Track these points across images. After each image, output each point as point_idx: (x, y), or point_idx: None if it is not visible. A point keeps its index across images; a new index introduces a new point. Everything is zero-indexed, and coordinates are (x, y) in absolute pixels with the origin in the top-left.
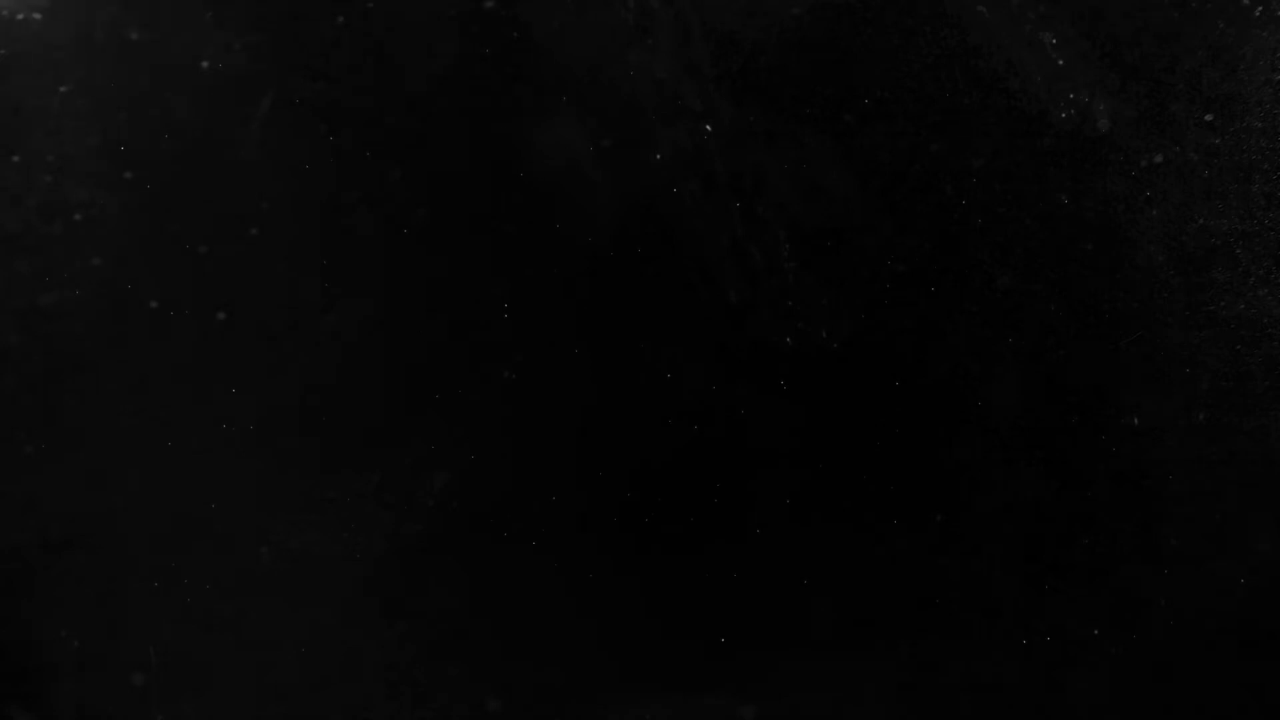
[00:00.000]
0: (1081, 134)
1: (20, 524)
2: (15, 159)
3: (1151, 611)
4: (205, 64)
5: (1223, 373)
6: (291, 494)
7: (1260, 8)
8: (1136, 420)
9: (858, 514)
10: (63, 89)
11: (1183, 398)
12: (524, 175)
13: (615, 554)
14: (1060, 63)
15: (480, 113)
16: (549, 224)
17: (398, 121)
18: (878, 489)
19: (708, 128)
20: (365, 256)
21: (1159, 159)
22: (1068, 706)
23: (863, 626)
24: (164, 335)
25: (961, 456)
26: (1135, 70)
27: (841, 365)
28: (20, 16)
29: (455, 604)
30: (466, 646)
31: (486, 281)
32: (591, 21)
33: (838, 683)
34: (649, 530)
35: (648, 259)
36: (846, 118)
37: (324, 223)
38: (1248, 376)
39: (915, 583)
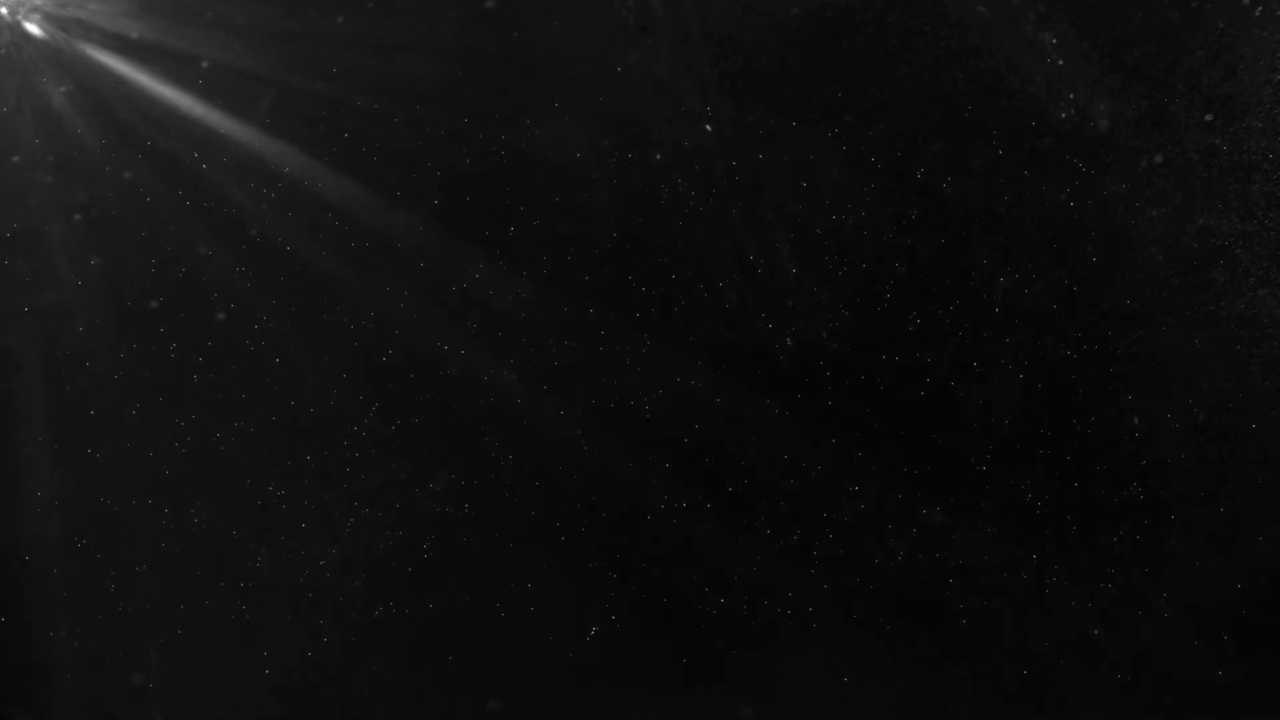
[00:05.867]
0: (1081, 134)
1: (20, 524)
2: (15, 159)
3: (1151, 611)
4: (205, 64)
5: (1223, 373)
6: (292, 495)
7: (1260, 8)
8: (1136, 420)
9: (858, 513)
10: (63, 89)
11: (1183, 398)
12: (524, 175)
13: (615, 554)
14: (1060, 63)
15: (480, 113)
16: (549, 224)
17: (398, 121)
18: (878, 489)
19: (708, 128)
20: (365, 257)
21: (1159, 159)
22: (1068, 706)
23: (863, 626)
24: (164, 336)
25: (961, 456)
26: (1135, 70)
27: (841, 365)
28: (19, 17)
29: (455, 605)
30: (466, 646)
31: (486, 281)
32: (591, 21)
33: (838, 683)
34: (649, 530)
35: (648, 259)
36: (846, 118)
37: (323, 224)
38: (1248, 376)
39: (915, 582)
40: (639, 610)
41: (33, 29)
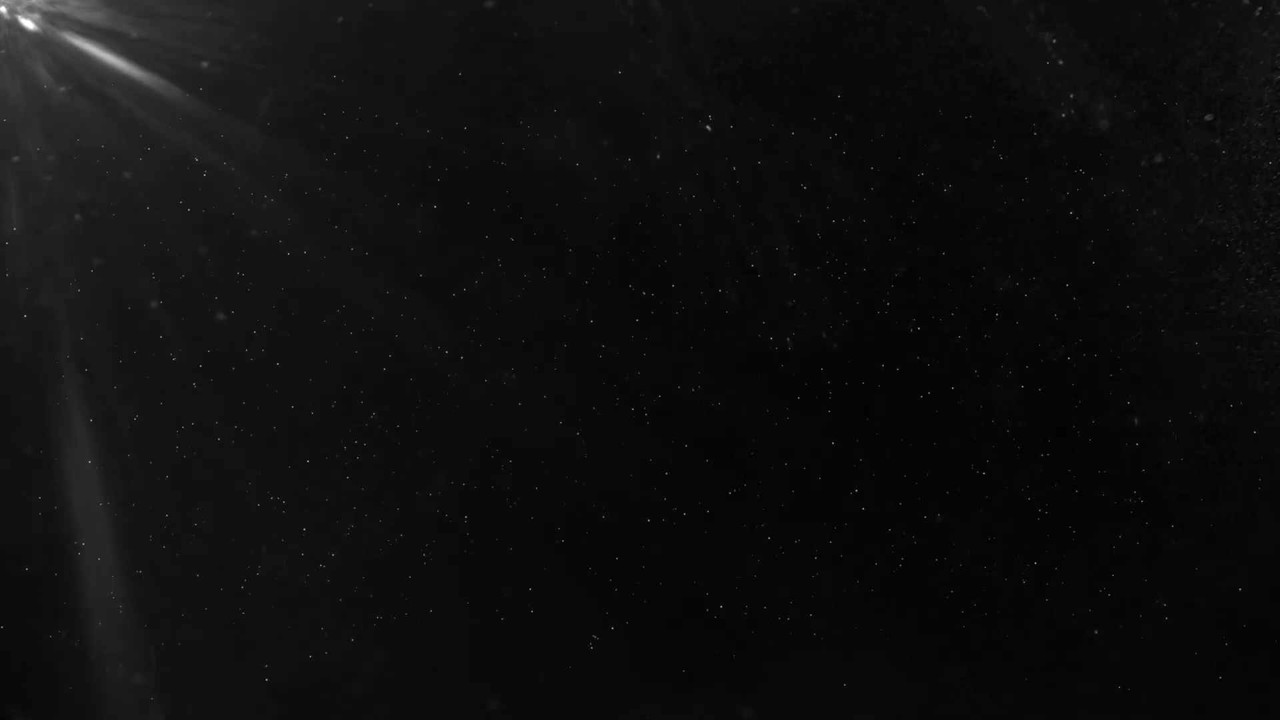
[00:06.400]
0: (1081, 134)
1: (20, 524)
2: (15, 159)
3: (1151, 611)
4: (205, 63)
5: (1223, 373)
6: (292, 498)
7: (1260, 8)
8: (1136, 420)
9: (858, 514)
10: (62, 88)
11: (1183, 398)
12: (524, 175)
13: (616, 554)
14: (1060, 63)
15: (480, 113)
16: (549, 224)
17: (398, 121)
18: (878, 489)
19: (708, 128)
20: (364, 258)
21: (1159, 159)
22: (1068, 706)
23: (863, 626)
24: (164, 337)
25: (962, 457)
26: (1135, 70)
27: (842, 366)
28: (18, 15)
29: (455, 607)
30: (466, 648)
31: (486, 282)
32: (591, 21)
33: (837, 683)
34: (649, 531)
35: (648, 259)
36: (846, 118)
37: (322, 225)
38: (1248, 376)
39: (915, 582)
40: (639, 611)
41: (31, 27)
